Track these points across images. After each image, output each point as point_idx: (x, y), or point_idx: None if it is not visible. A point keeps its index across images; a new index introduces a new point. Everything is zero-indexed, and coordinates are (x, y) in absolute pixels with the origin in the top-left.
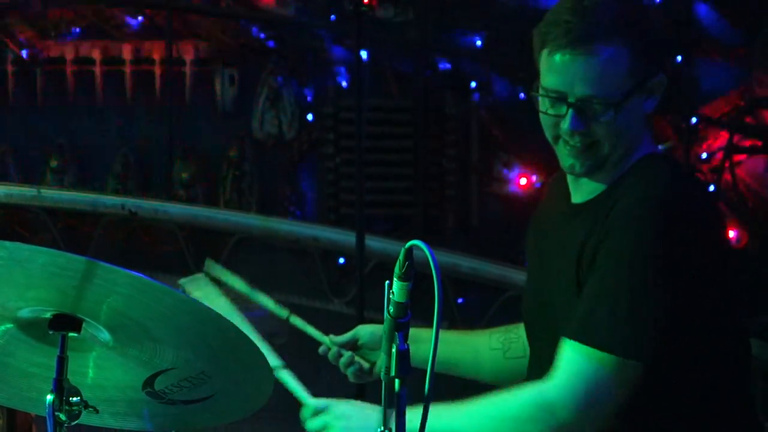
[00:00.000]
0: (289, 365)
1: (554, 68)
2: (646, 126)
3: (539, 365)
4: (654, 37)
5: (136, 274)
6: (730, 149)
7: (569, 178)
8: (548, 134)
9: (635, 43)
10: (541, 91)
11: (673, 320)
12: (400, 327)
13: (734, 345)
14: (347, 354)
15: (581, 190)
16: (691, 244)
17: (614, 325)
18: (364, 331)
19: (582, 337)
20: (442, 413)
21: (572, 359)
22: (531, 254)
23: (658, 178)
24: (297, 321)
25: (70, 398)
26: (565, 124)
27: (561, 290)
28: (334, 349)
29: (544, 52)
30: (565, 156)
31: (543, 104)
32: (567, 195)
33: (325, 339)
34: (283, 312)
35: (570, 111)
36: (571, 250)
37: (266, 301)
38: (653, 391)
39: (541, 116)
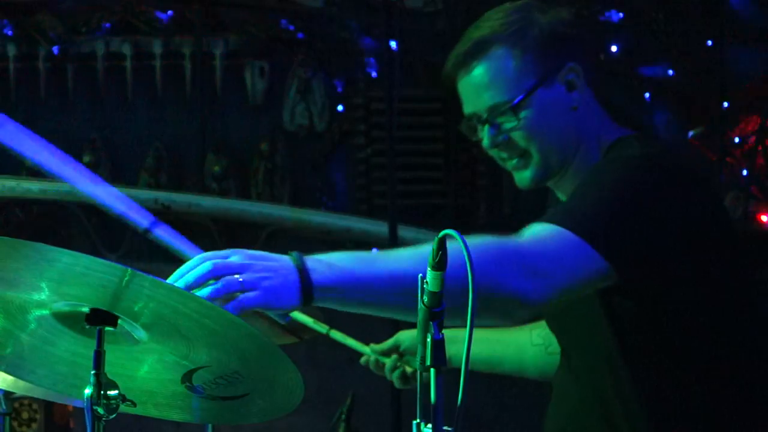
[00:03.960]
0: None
1: (461, 97)
2: (591, 117)
3: (567, 363)
4: (541, 31)
5: (156, 278)
6: (763, 133)
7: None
8: (497, 160)
9: (514, 42)
10: (464, 125)
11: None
12: (434, 316)
13: (748, 312)
14: (389, 360)
15: (563, 194)
16: (682, 189)
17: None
18: (405, 336)
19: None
20: None
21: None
22: None
23: (632, 150)
24: (337, 335)
25: (108, 392)
26: (485, 141)
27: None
28: (373, 357)
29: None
30: (514, 175)
31: (472, 135)
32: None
33: (366, 349)
34: (322, 328)
35: (485, 128)
36: None
37: (305, 319)
38: (668, 360)
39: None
